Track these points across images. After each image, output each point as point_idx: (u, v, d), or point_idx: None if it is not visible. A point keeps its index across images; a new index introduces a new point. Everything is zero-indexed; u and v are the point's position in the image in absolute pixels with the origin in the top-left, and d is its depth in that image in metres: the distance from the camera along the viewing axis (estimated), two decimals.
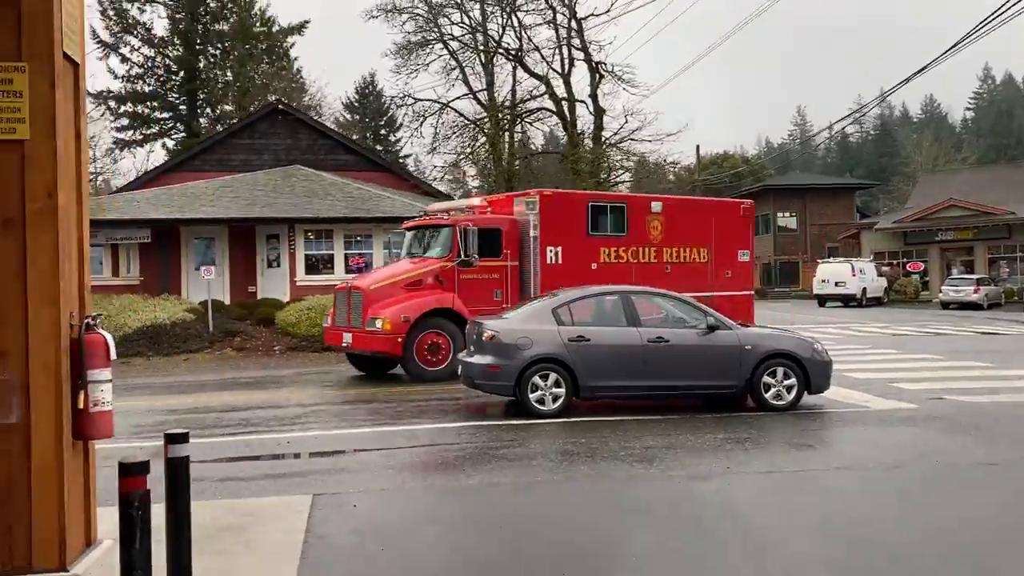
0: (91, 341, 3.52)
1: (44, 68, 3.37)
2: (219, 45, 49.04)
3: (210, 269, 19.40)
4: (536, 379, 9.77)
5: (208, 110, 49.39)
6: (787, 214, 57.37)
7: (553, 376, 9.80)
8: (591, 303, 10.61)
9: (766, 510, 6.02)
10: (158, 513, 3.40)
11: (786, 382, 10.17)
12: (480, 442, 8.57)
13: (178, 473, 3.99)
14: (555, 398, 9.80)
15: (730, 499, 6.29)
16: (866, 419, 9.82)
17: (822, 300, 38.36)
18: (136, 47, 47.57)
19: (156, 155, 46.30)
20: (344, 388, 13.37)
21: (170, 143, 47.21)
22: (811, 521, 5.78)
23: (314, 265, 22.73)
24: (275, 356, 18.30)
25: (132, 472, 3.36)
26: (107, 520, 5.44)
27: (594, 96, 28.93)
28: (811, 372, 10.24)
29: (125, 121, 47.64)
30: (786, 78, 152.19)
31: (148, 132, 48.62)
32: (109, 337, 3.59)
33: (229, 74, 49.64)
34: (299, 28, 50.73)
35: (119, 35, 47.53)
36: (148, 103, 48.06)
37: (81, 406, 3.49)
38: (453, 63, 31.78)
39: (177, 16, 47.56)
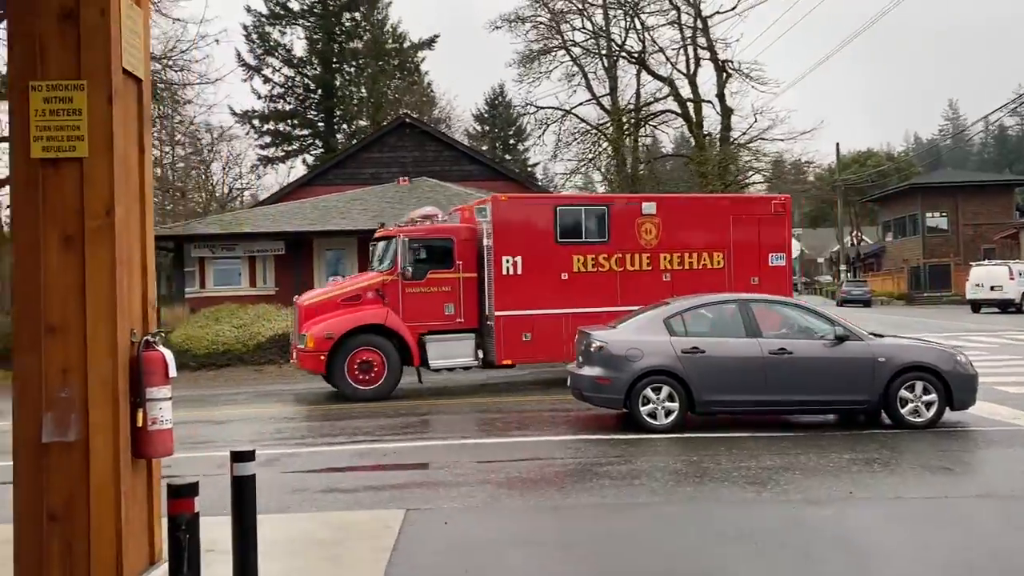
0: (149, 358, 3.48)
1: (102, 85, 3.37)
2: (354, 63, 50.84)
3: (337, 279, 19.92)
4: (647, 392, 9.37)
5: (344, 126, 51.24)
6: (937, 214, 53.74)
7: (666, 389, 9.36)
8: (707, 312, 10.09)
9: (889, 543, 5.42)
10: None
11: (925, 397, 9.30)
12: (584, 457, 8.27)
13: (244, 491, 3.92)
14: (667, 412, 9.35)
15: (848, 529, 5.73)
16: (1015, 439, 8.85)
17: (976, 306, 35.58)
18: (277, 68, 49.93)
19: (297, 171, 48.27)
20: (458, 397, 13.34)
21: (309, 159, 49.25)
22: (942, 557, 5.16)
23: None
24: None
25: (180, 494, 3.30)
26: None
27: (721, 96, 28.03)
28: (953, 386, 9.33)
29: (267, 139, 50.01)
30: (935, 70, 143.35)
31: (289, 149, 50.86)
32: (169, 355, 3.55)
33: (363, 90, 51.37)
34: (429, 43, 51.94)
35: (262, 57, 50.02)
36: (288, 121, 50.31)
37: (140, 424, 3.43)
38: (574, 69, 31.59)
39: (315, 37, 49.68)
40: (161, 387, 3.53)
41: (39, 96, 3.41)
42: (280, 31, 49.75)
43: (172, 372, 3.58)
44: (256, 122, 49.90)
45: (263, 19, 48.92)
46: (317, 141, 50.40)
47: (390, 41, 52.39)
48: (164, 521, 3.59)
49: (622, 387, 9.35)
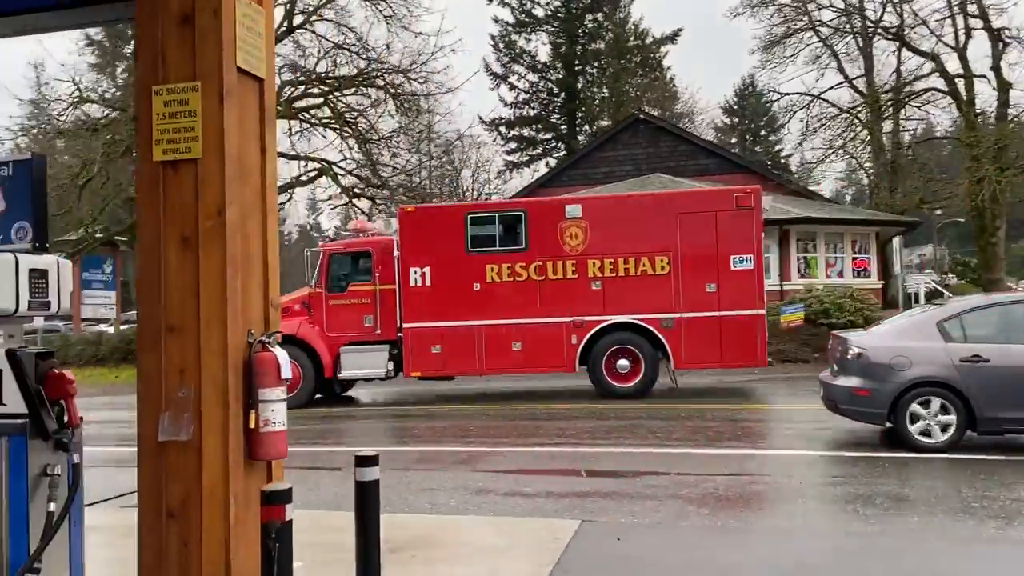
0: (261, 360, 3.43)
1: (214, 85, 3.37)
2: (596, 63, 51.17)
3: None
4: (915, 406, 8.19)
5: (586, 127, 51.68)
6: None
7: (937, 403, 8.14)
8: (992, 314, 8.59)
9: None
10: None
11: None
12: (805, 476, 7.42)
13: (367, 497, 3.79)
14: (943, 428, 8.11)
15: None
16: None
17: None
18: (522, 75, 51.43)
19: (540, 175, 49.53)
20: (669, 402, 12.70)
21: (552, 162, 50.23)
22: None
23: None
24: None
25: (270, 501, 3.20)
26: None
27: (996, 68, 24.63)
28: None
29: (513, 145, 51.65)
30: None
31: (533, 153, 52.16)
32: (283, 356, 3.48)
33: (605, 90, 51.51)
34: (671, 37, 51.02)
35: (508, 65, 51.78)
36: (533, 126, 51.64)
37: (252, 426, 3.38)
38: (821, 51, 29.32)
39: (558, 41, 50.59)
40: (274, 388, 3.46)
41: (160, 100, 3.47)
42: (525, 38, 51.22)
43: (285, 374, 3.51)
44: (503, 128, 51.66)
45: (509, 28, 50.59)
46: (560, 144, 51.25)
47: (632, 39, 52.06)
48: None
49: (885, 400, 8.25)
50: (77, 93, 21.32)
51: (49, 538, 3.54)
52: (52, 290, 3.89)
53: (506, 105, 51.31)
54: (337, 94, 23.73)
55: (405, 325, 13.76)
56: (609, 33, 50.84)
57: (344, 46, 24.52)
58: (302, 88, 24.77)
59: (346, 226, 23.96)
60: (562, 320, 13.46)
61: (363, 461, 3.80)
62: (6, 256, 3.69)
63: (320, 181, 25.20)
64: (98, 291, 27.09)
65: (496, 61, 51.26)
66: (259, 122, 3.68)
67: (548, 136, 52.30)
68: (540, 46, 51.52)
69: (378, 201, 24.86)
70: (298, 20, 23.27)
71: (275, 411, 3.46)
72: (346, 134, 24.08)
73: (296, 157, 24.70)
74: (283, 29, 24.09)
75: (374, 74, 23.91)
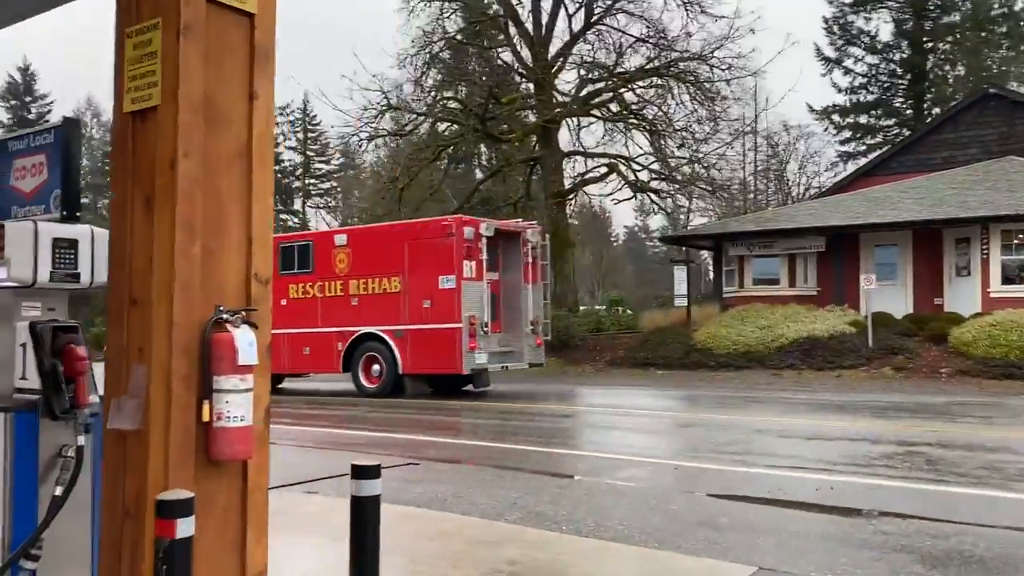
0: (216, 341, 2.89)
1: (172, 19, 2.88)
2: (948, 39, 45.31)
3: (870, 278, 17.47)
4: None
5: (935, 110, 45.80)
6: None
7: None
8: None
9: None
10: None
11: None
12: None
13: (364, 515, 3.10)
14: None
15: None
16: None
17: None
18: (859, 57, 47.17)
19: (861, 165, 44.98)
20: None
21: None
22: None
23: (1014, 273, 18.56)
24: (939, 380, 15.38)
25: (160, 512, 2.61)
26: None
27: None
28: None
29: (847, 134, 47.56)
30: None
31: (871, 142, 47.52)
32: (244, 339, 2.91)
33: (960, 68, 45.41)
34: None
35: (842, 48, 47.85)
36: (871, 112, 47.21)
37: (206, 419, 2.86)
38: None
39: (902, 17, 45.60)
40: (229, 376, 2.90)
41: (131, 43, 3.09)
42: (864, 17, 46.89)
43: (244, 359, 2.92)
44: (836, 117, 47.87)
45: (846, 8, 46.70)
46: (904, 130, 45.99)
47: (996, 6, 45.19)
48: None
49: None
50: (385, 102, 23.16)
51: (47, 523, 3.33)
52: (84, 261, 3.71)
53: (840, 91, 47.34)
54: (629, 86, 23.13)
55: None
56: (966, 3, 44.59)
57: (642, 38, 23.87)
58: (601, 84, 24.56)
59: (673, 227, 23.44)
60: (332, 330, 16.34)
61: (362, 472, 3.10)
62: (25, 224, 3.56)
63: (611, 178, 24.75)
64: None
65: (829, 45, 47.48)
66: (246, 64, 3.15)
67: (890, 123, 47.36)
68: (881, 25, 46.74)
69: (663, 195, 23.84)
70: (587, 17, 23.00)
71: (230, 403, 2.90)
72: (640, 127, 23.40)
73: (588, 154, 24.56)
74: (580, 27, 24.06)
75: (669, 64, 22.93)
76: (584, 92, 24.46)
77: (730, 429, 10.72)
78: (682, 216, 46.44)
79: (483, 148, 30.00)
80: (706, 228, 24.79)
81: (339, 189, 78.82)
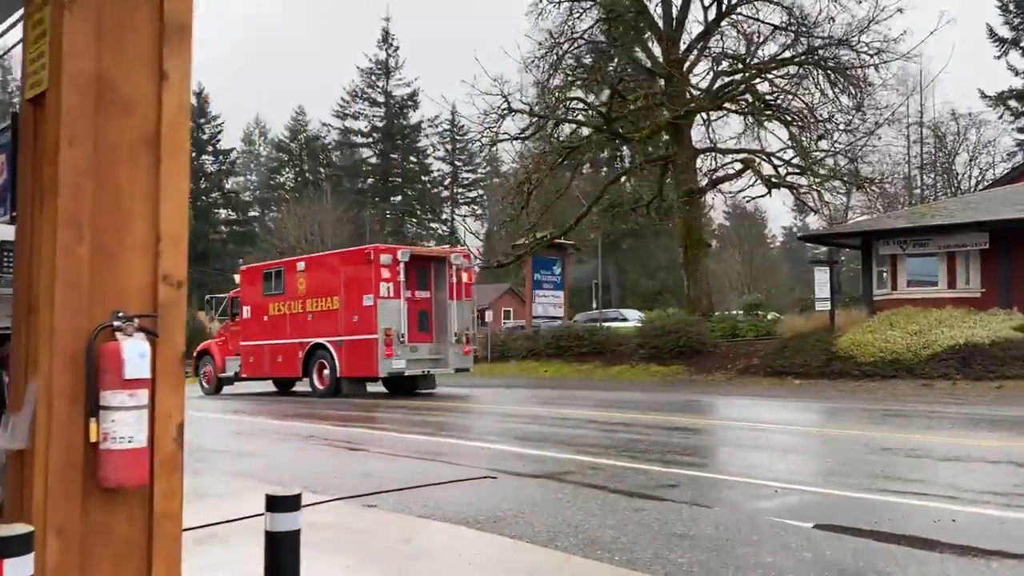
0: (101, 353, 2.55)
1: None
2: None
3: None
4: None
5: None
6: None
7: None
8: None
9: None
10: None
11: None
12: None
13: (278, 554, 2.68)
14: None
15: None
16: None
17: None
18: None
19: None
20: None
21: None
22: None
23: None
24: None
25: None
26: None
27: None
28: None
29: None
30: None
31: None
32: (135, 349, 2.56)
33: None
34: None
35: (1020, 27, 43.77)
36: None
37: (93, 439, 2.54)
38: None
39: None
40: (116, 391, 2.56)
41: (30, 24, 2.82)
42: None
43: (131, 372, 2.57)
44: (1012, 102, 43.76)
45: None
46: None
47: None
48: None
49: None
50: (506, 105, 22.92)
51: None
52: None
53: (1017, 74, 43.19)
54: (764, 77, 21.77)
55: (241, 343, 21.16)
56: None
57: (780, 25, 22.45)
58: (735, 76, 23.29)
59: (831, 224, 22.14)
60: (296, 341, 19.55)
61: (277, 503, 2.68)
62: None
63: (746, 174, 23.36)
64: (548, 291, 28.93)
65: (1003, 24, 43.50)
66: (154, 41, 2.80)
67: None
68: None
69: (801, 190, 22.24)
70: (720, 7, 21.83)
71: (117, 422, 2.55)
72: (778, 118, 21.97)
73: (721, 150, 23.30)
74: (713, 17, 22.93)
75: (809, 51, 21.41)
76: (716, 85, 23.29)
77: (852, 445, 9.63)
78: (838, 213, 43.67)
79: (611, 149, 29.30)
80: (853, 225, 22.97)
81: (485, 197, 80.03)
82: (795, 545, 5.44)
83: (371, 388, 19.53)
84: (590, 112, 23.97)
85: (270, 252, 66.98)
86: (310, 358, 19.13)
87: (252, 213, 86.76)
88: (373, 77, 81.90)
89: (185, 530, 5.89)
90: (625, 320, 32.04)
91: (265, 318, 20.31)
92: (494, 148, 26.27)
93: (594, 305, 43.24)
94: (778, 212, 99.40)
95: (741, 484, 7.71)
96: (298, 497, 2.72)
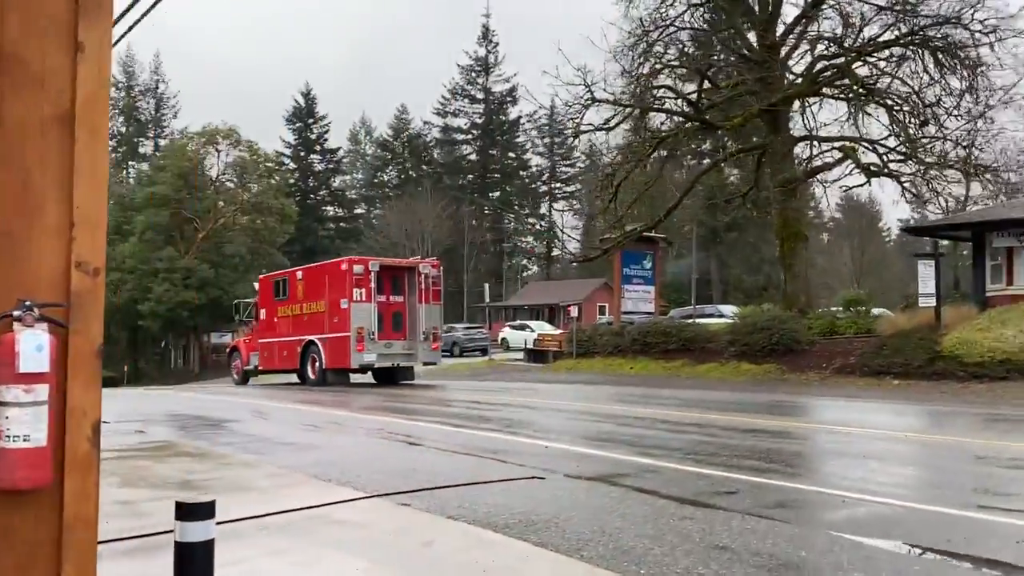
0: None
1: None
2: None
3: None
4: None
5: None
6: None
7: None
8: None
9: None
10: None
11: None
12: None
13: (189, 566, 2.46)
14: None
15: None
16: None
17: None
18: None
19: None
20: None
21: None
22: None
23: None
24: None
25: None
26: None
27: None
28: None
29: None
30: None
31: None
32: (31, 340, 2.38)
33: None
34: None
35: None
36: None
37: None
38: None
39: None
40: (11, 386, 2.38)
41: None
42: None
43: (27, 366, 2.38)
44: None
45: None
46: None
47: None
48: None
49: None
50: (589, 96, 22.36)
51: None
52: None
53: None
54: (864, 60, 20.51)
55: (259, 341, 25.20)
56: None
57: (885, 6, 21.13)
58: (834, 60, 22.07)
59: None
60: (295, 338, 23.15)
61: (187, 511, 2.45)
62: None
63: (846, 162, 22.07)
64: (638, 286, 28.25)
65: None
66: (68, 9, 2.61)
67: None
68: None
69: (905, 180, 20.81)
70: None
71: (11, 419, 2.37)
72: (880, 103, 20.67)
73: (819, 138, 22.10)
74: (810, 1, 21.80)
75: (914, 31, 20.04)
76: (815, 70, 22.12)
77: (949, 452, 8.83)
78: (955, 204, 41.04)
79: (703, 139, 28.29)
80: (962, 216, 21.40)
81: (583, 191, 79.45)
82: (847, 564, 4.91)
83: (362, 379, 23.65)
84: (680, 101, 23.19)
85: (374, 248, 68.39)
86: (305, 353, 22.83)
87: (358, 210, 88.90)
88: (473, 74, 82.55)
89: (220, 523, 5.82)
90: (721, 316, 30.99)
91: (275, 319, 24.54)
92: (576, 140, 25.76)
93: (693, 301, 42.18)
94: (894, 204, 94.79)
95: (809, 493, 7.15)
96: (211, 505, 2.49)
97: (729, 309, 31.87)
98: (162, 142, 71.39)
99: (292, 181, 79.98)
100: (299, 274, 24.01)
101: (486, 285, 37.42)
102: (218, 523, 5.80)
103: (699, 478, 7.75)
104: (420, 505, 6.51)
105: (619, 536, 5.56)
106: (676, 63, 22.92)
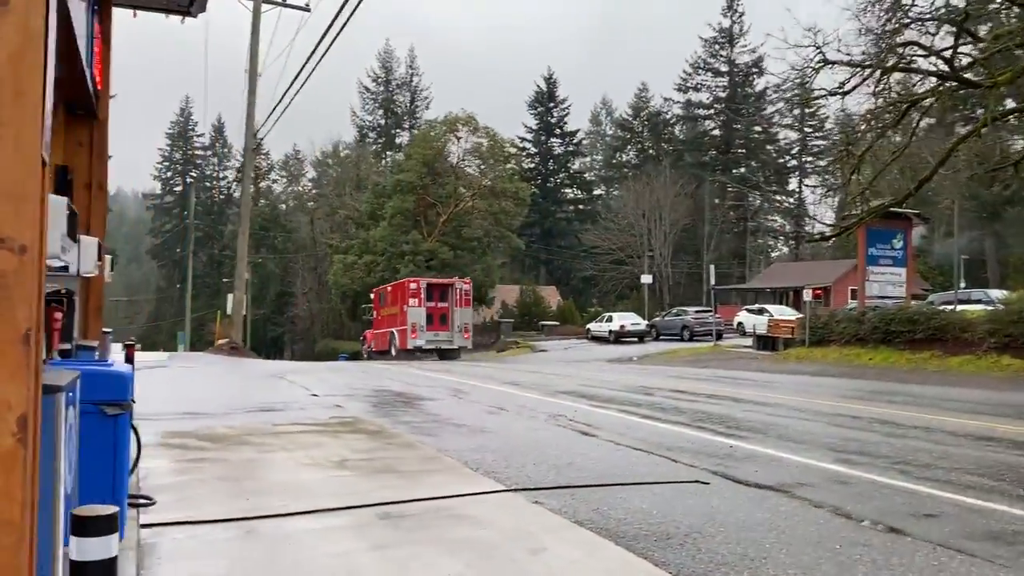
0: None
1: None
2: None
3: None
4: None
5: None
6: None
7: None
8: None
9: None
10: None
11: None
12: None
13: None
14: None
15: None
16: None
17: None
18: None
19: None
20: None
21: None
22: None
23: None
24: None
25: None
26: None
27: None
28: None
29: None
30: None
31: None
32: None
33: None
34: None
35: None
36: None
37: None
38: None
39: None
40: None
41: None
42: None
43: None
44: None
45: None
46: None
47: None
48: None
49: None
50: (821, 57, 20.09)
51: None
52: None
53: None
54: None
55: (372, 332, 39.29)
56: None
57: None
58: None
59: None
60: (384, 330, 36.73)
61: (87, 526, 2.16)
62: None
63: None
64: (885, 267, 25.47)
65: None
66: None
67: None
68: None
69: None
70: None
71: None
72: None
73: None
74: None
75: None
76: None
77: None
78: None
79: (960, 101, 24.75)
80: None
81: (837, 166, 73.71)
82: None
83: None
84: (931, 59, 20.37)
85: (610, 230, 68.31)
86: (390, 339, 35.56)
87: (596, 192, 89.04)
88: (716, 46, 79.29)
89: (337, 509, 5.62)
90: (990, 303, 27.24)
91: (379, 317, 38.41)
92: (804, 108, 23.54)
93: (956, 285, 37.66)
94: None
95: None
96: (112, 517, 2.15)
97: (998, 294, 27.92)
98: (414, 132, 75.68)
99: (532, 165, 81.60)
100: (388, 288, 37.67)
101: (711, 267, 35.69)
102: (337, 509, 5.70)
103: (896, 494, 6.55)
104: (554, 504, 6.01)
105: (761, 563, 4.71)
106: (928, 16, 20.15)
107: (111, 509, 2.18)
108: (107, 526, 2.15)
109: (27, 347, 2.40)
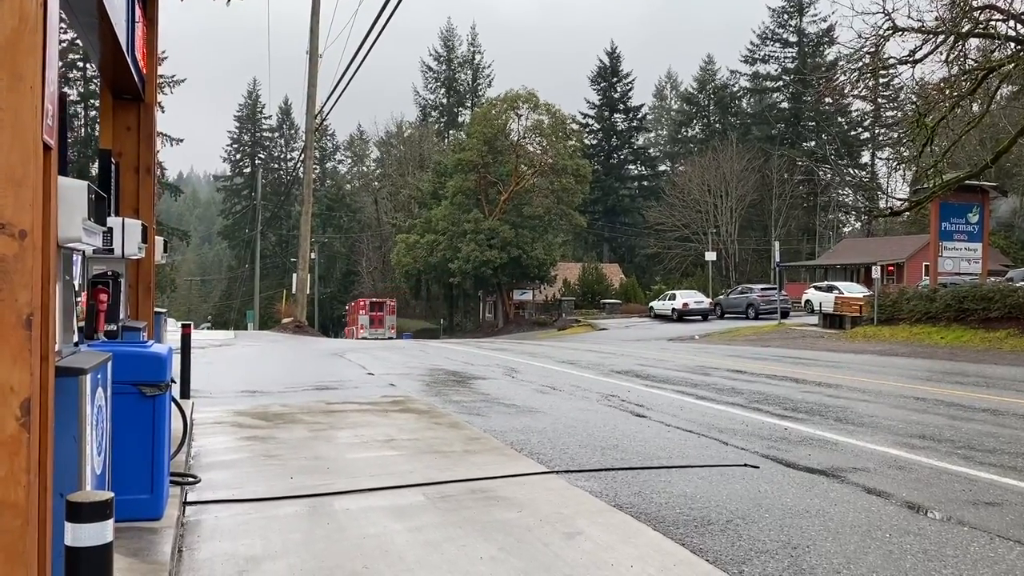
0: None
1: None
2: None
3: None
4: None
5: None
6: None
7: None
8: None
9: None
10: None
11: None
12: None
13: (79, 573, 2.20)
14: None
15: None
16: None
17: None
18: None
19: None
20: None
21: None
22: None
23: None
24: None
25: None
26: None
27: None
28: None
29: None
30: None
31: None
32: None
33: None
34: None
35: None
36: None
37: None
38: None
39: None
40: None
41: None
42: None
43: None
44: None
45: None
46: None
47: None
48: None
49: None
50: (890, 24, 19.22)
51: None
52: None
53: None
54: None
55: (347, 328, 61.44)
56: None
57: None
58: None
59: None
60: (351, 327, 59.37)
61: (78, 512, 2.16)
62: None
63: None
64: (960, 242, 24.48)
65: None
66: None
67: None
68: None
69: None
70: None
71: None
72: None
73: None
74: None
75: None
76: None
77: None
78: None
79: None
80: None
81: (909, 138, 71.02)
82: None
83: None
84: (1010, 23, 19.31)
85: (675, 206, 67.32)
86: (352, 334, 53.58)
87: (661, 168, 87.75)
88: (785, 16, 77.01)
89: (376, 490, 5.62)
90: None
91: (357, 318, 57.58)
92: (875, 78, 22.64)
93: None
94: None
95: None
96: (105, 504, 2.14)
97: None
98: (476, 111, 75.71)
99: (595, 141, 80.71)
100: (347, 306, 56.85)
101: (777, 243, 34.81)
102: (377, 489, 5.70)
103: (956, 480, 6.27)
104: (594, 487, 5.92)
105: (804, 551, 4.55)
106: None
107: (105, 495, 2.17)
108: (101, 512, 2.15)
109: (29, 331, 2.41)
